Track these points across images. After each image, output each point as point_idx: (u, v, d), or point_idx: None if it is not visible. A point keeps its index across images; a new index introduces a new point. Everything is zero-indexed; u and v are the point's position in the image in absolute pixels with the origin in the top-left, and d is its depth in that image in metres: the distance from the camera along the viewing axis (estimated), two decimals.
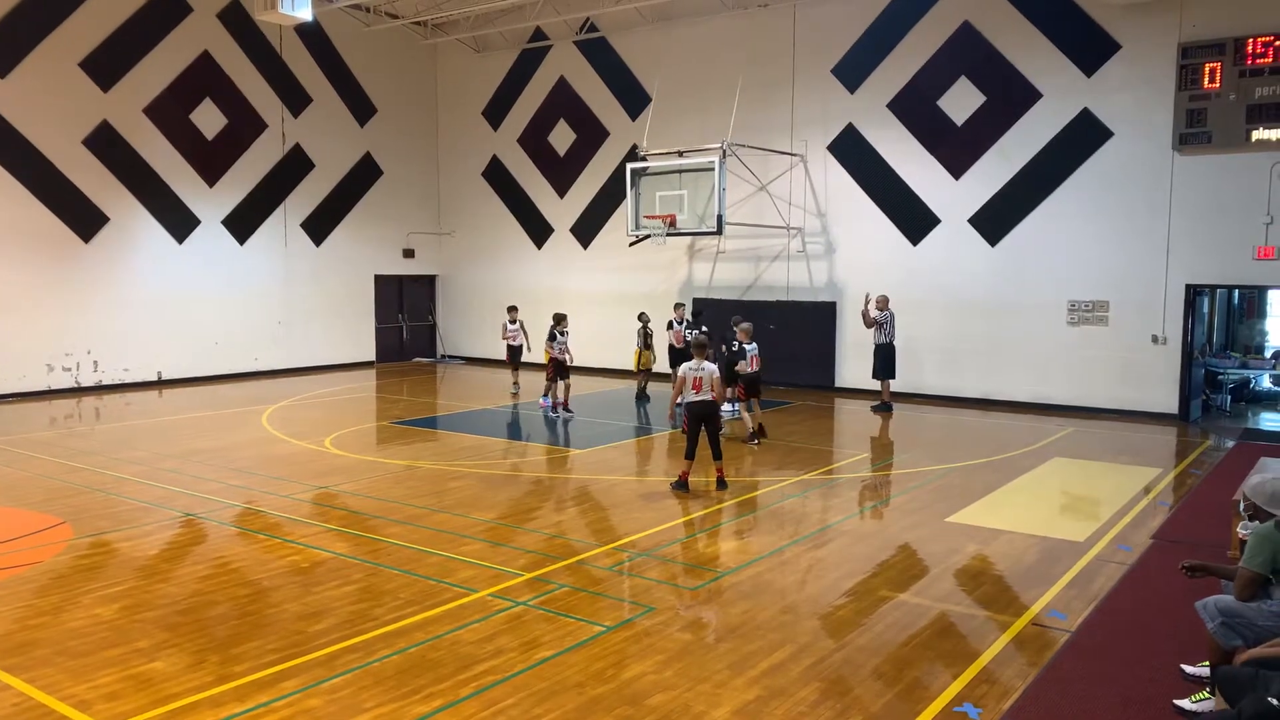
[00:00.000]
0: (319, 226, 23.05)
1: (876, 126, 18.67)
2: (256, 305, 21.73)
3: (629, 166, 19.23)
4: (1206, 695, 5.18)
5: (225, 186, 21.05)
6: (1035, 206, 17.10)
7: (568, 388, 16.11)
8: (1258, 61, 14.78)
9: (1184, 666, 5.77)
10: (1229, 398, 17.57)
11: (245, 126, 21.29)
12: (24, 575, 7.74)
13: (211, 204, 20.83)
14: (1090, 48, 16.36)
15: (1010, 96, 17.18)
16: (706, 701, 5.44)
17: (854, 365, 18.94)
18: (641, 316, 18.09)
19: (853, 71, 18.86)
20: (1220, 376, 17.54)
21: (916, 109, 18.19)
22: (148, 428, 15.06)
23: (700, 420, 10.62)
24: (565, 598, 7.20)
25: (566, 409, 15.94)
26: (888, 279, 18.07)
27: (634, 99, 21.78)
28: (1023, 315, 17.28)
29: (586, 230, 23.07)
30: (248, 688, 5.60)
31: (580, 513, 9.97)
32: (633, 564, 8.15)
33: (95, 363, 19.15)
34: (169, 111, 19.93)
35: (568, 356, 16.18)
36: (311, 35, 22.13)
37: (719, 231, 18.11)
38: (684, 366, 10.79)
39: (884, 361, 16.83)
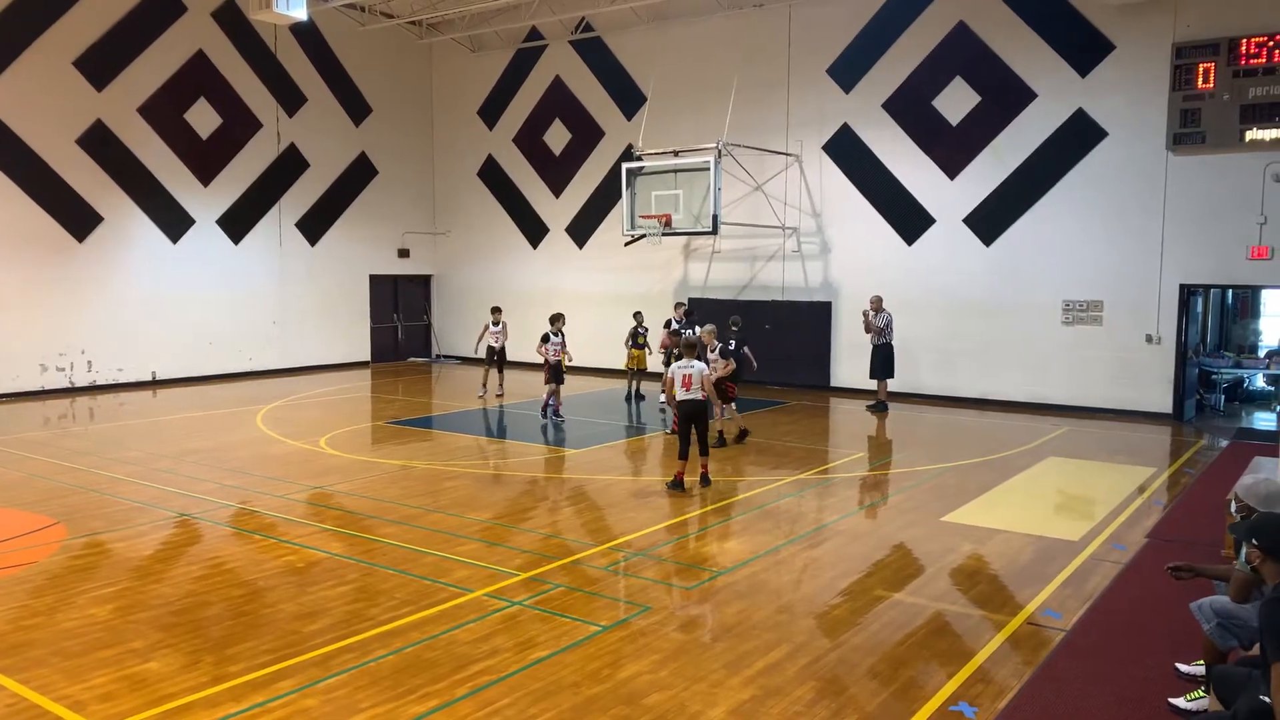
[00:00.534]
0: (314, 226, 23.01)
1: (871, 126, 18.69)
2: (251, 305, 21.69)
3: (624, 166, 19.23)
4: (1201, 694, 5.19)
5: (220, 186, 21.02)
6: (1030, 206, 17.14)
7: (557, 391, 15.54)
8: (1251, 62, 14.82)
9: (1178, 665, 5.79)
10: (1223, 397, 17.64)
11: (240, 126, 21.25)
12: (18, 576, 7.72)
13: (206, 203, 20.79)
14: (1084, 48, 16.40)
15: (1005, 97, 17.21)
16: (702, 701, 5.44)
17: (849, 365, 18.96)
18: (637, 315, 18.07)
19: (848, 72, 18.89)
20: (1214, 376, 17.60)
21: (911, 109, 18.22)
22: (142, 428, 15.03)
23: (690, 419, 10.68)
24: (561, 597, 7.20)
25: (557, 414, 15.51)
26: (883, 279, 18.09)
27: (629, 99, 21.78)
28: (1017, 315, 17.31)
29: (582, 230, 23.06)
30: (243, 688, 5.59)
31: (576, 513, 9.97)
32: (628, 564, 8.15)
33: (89, 363, 19.10)
34: (163, 111, 19.89)
35: (565, 358, 15.77)
36: (306, 35, 22.10)
37: (714, 231, 18.11)
38: (674, 365, 10.94)
39: (883, 361, 16.82)
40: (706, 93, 20.13)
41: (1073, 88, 16.55)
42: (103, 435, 14.36)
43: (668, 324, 17.18)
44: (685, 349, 10.96)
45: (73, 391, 18.77)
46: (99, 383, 19.23)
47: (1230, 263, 15.45)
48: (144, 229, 19.84)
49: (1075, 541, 8.79)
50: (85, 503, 10.05)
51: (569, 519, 9.69)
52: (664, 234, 18.75)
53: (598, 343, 21.25)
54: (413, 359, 25.59)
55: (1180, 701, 5.29)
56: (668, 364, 16.45)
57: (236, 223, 21.41)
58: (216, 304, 20.97)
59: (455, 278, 25.72)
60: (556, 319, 16.10)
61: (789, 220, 19.75)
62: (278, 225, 22.23)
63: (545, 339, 15.71)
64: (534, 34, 23.16)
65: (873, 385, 17.18)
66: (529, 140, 23.82)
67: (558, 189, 23.42)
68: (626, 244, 20.19)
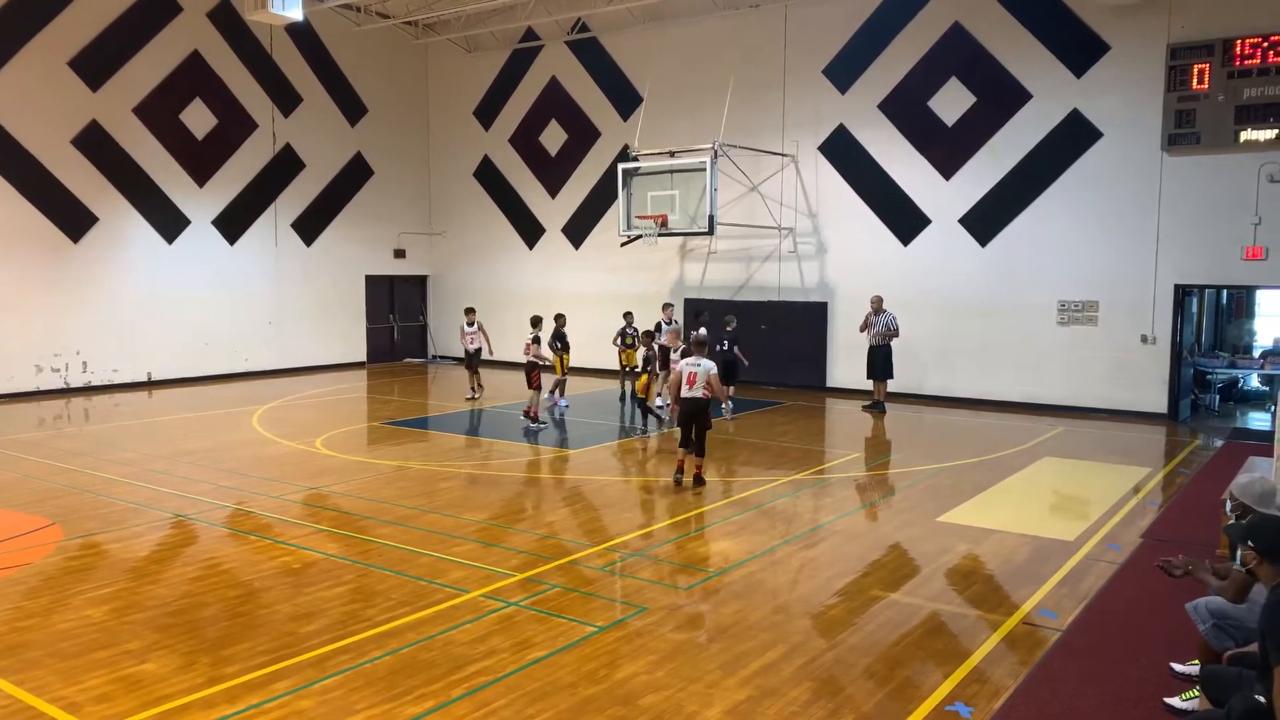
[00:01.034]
0: (310, 227, 22.99)
1: (867, 127, 18.71)
2: (247, 306, 21.67)
3: (620, 167, 19.23)
4: (1196, 694, 5.19)
5: (215, 186, 20.99)
6: (1025, 207, 17.17)
7: (536, 397, 15.05)
8: (1246, 63, 14.86)
9: (1173, 665, 5.80)
10: (1218, 397, 17.67)
11: (235, 126, 21.23)
12: (13, 577, 7.70)
13: (201, 204, 20.76)
14: (1080, 49, 16.43)
15: (1000, 97, 17.24)
16: (699, 701, 5.44)
17: (845, 365, 18.97)
18: (627, 316, 18.03)
19: (844, 72, 18.91)
20: (1209, 376, 17.63)
21: (907, 109, 18.24)
22: (137, 428, 15.00)
23: (690, 417, 10.78)
24: (557, 598, 7.20)
25: (536, 418, 14.97)
26: (879, 279, 18.11)
27: (625, 99, 21.79)
28: (1013, 315, 17.34)
29: (578, 230, 23.07)
30: (239, 689, 5.59)
31: (572, 513, 9.97)
32: (625, 564, 8.16)
33: (84, 363, 19.07)
34: (158, 111, 19.85)
35: (543, 360, 15.29)
36: (302, 35, 22.08)
37: (710, 232, 18.12)
38: (682, 363, 11.06)
39: (884, 362, 16.77)
40: (702, 93, 20.14)
41: (1068, 88, 16.59)
42: (98, 436, 14.33)
43: (657, 327, 17.17)
44: (695, 347, 11.08)
45: (68, 392, 18.73)
46: (94, 383, 19.20)
47: (1225, 263, 15.49)
48: (139, 229, 19.81)
49: (1071, 541, 8.81)
50: (80, 504, 10.03)
51: (565, 519, 9.69)
52: (660, 234, 18.77)
53: (595, 343, 21.23)
54: (409, 359, 25.57)
55: (1175, 701, 5.30)
56: (649, 365, 16.62)
57: (232, 223, 21.37)
58: (212, 304, 20.94)
59: (451, 278, 25.70)
60: (539, 321, 15.67)
61: (785, 221, 19.76)
62: (273, 226, 22.20)
63: (536, 340, 15.31)
64: (530, 34, 23.16)
65: (868, 386, 17.19)
66: (525, 141, 23.81)
67: (554, 189, 23.42)
68: (623, 244, 20.20)
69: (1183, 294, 16.06)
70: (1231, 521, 5.49)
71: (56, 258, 18.54)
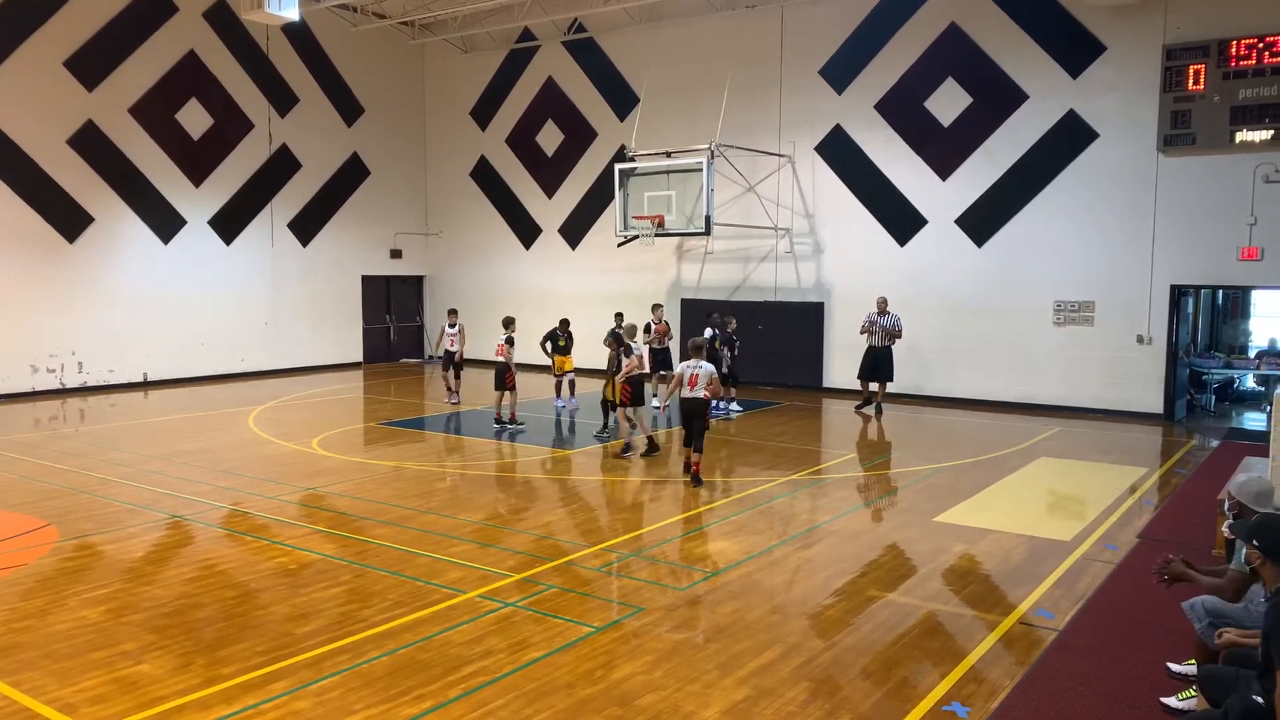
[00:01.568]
0: (306, 227, 22.96)
1: (864, 127, 18.73)
2: (243, 306, 21.64)
3: (617, 167, 19.23)
4: (1192, 693, 5.20)
5: (211, 186, 20.96)
6: (1021, 207, 17.19)
7: (510, 400, 14.88)
8: (1241, 63, 14.90)
9: (1170, 665, 5.80)
10: (1213, 397, 17.71)
11: (231, 126, 21.20)
12: (9, 578, 7.68)
13: (197, 204, 20.72)
14: (1076, 49, 16.46)
15: (997, 98, 17.26)
16: (696, 701, 5.44)
17: (842, 365, 18.98)
18: (618, 316, 17.94)
19: (840, 73, 18.92)
20: (1205, 376, 17.67)
21: (904, 110, 18.26)
22: (133, 429, 14.97)
23: (690, 416, 11.09)
24: (554, 598, 7.20)
25: (514, 420, 14.83)
26: (875, 280, 18.13)
27: (622, 100, 21.79)
28: (1009, 316, 17.36)
29: (575, 231, 23.06)
30: (235, 690, 5.58)
31: (568, 513, 9.97)
32: (621, 564, 8.15)
33: (80, 364, 19.03)
34: (154, 111, 19.82)
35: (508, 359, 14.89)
36: (298, 35, 22.05)
37: (707, 232, 18.14)
38: (682, 364, 11.36)
39: (885, 363, 16.69)
40: (699, 93, 20.14)
41: (1064, 89, 16.61)
42: (94, 436, 14.30)
43: (646, 327, 17.17)
44: (695, 350, 11.36)
45: (63, 393, 18.69)
46: (90, 384, 19.16)
47: (1221, 263, 15.52)
48: (135, 230, 19.78)
49: (1067, 541, 8.82)
50: (76, 504, 10.00)
51: (562, 520, 9.69)
52: (657, 235, 18.77)
53: (591, 343, 21.19)
54: (405, 360, 25.55)
55: (1172, 701, 5.31)
56: (653, 367, 16.64)
57: (228, 223, 21.34)
58: (208, 305, 20.92)
59: (448, 279, 25.69)
60: (509, 322, 15.34)
61: (781, 221, 19.77)
62: (269, 226, 22.17)
63: (509, 341, 14.94)
64: (526, 35, 23.15)
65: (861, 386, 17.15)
66: (521, 141, 23.80)
67: (550, 190, 23.41)
68: (619, 245, 20.19)
69: (1178, 294, 16.09)
70: (1233, 520, 5.50)
71: (52, 258, 18.51)
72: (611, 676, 5.78)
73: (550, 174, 23.36)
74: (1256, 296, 19.47)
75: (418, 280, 26.06)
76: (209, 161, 20.87)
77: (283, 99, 22.18)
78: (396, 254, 25.14)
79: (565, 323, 16.58)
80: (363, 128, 24.03)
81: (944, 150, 17.89)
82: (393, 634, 6.43)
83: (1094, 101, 16.37)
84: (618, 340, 12.57)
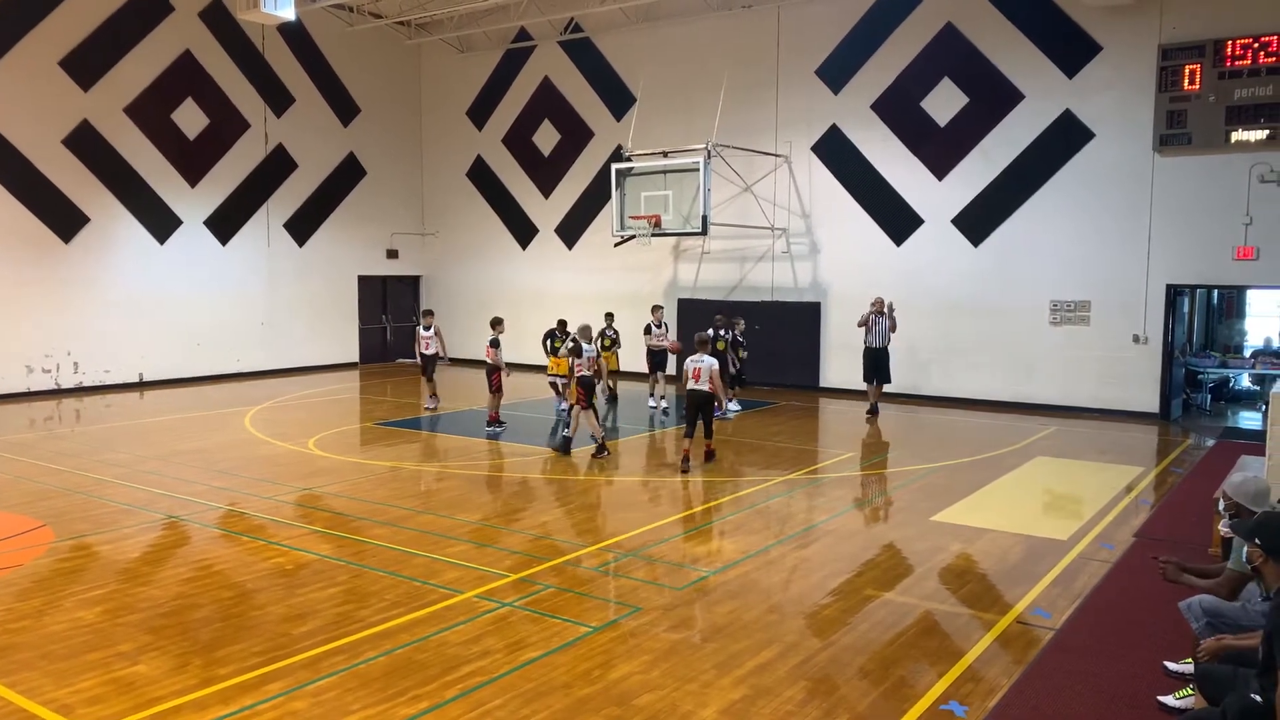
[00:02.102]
0: (302, 227, 22.93)
1: (860, 127, 18.74)
2: (239, 306, 21.60)
3: (614, 167, 19.23)
4: (1189, 692, 5.20)
5: (207, 186, 20.92)
6: (1018, 207, 17.21)
7: (496, 399, 14.63)
8: (1236, 63, 14.93)
9: (1167, 663, 5.81)
10: (1209, 397, 17.75)
11: (227, 126, 21.17)
12: (4, 579, 7.66)
13: (193, 204, 20.69)
14: (1072, 49, 16.48)
15: (993, 98, 17.28)
16: (694, 701, 5.44)
17: (839, 365, 19.00)
18: (608, 316, 17.90)
19: (837, 72, 18.93)
20: (1200, 376, 17.71)
21: (900, 110, 18.27)
22: (129, 429, 14.94)
23: (696, 406, 11.90)
24: (551, 598, 7.19)
25: (495, 420, 14.58)
26: (872, 280, 18.14)
27: (619, 99, 21.78)
28: (1006, 315, 17.38)
29: (571, 231, 23.05)
30: (232, 690, 5.57)
31: (565, 513, 9.96)
32: (619, 564, 8.15)
33: (75, 364, 18.99)
34: (150, 111, 19.79)
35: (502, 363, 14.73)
36: (294, 35, 22.02)
37: (704, 232, 18.14)
38: (689, 359, 12.16)
39: (885, 365, 16.41)
40: (695, 93, 20.15)
41: (1060, 89, 16.63)
42: (89, 437, 14.27)
43: (646, 329, 17.14)
44: (700, 344, 12.29)
45: (59, 393, 18.65)
46: (85, 384, 19.12)
47: (1216, 263, 15.55)
48: (131, 230, 19.74)
49: (1064, 540, 8.83)
50: (72, 505, 9.98)
51: (559, 520, 9.68)
52: (653, 235, 18.77)
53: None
54: (401, 360, 25.51)
55: (1169, 699, 5.31)
56: (651, 368, 16.69)
57: (224, 223, 21.31)
58: (204, 305, 20.88)
59: (444, 279, 25.67)
60: (497, 323, 15.06)
61: (778, 221, 19.78)
62: (266, 226, 22.14)
63: (494, 343, 14.67)
64: (523, 34, 23.14)
65: (864, 386, 17.06)
66: (518, 141, 23.79)
67: (547, 190, 23.40)
68: (616, 245, 20.18)
69: (1174, 294, 16.12)
70: (1232, 520, 5.50)
71: (47, 258, 18.47)
72: (609, 676, 5.77)
73: (547, 174, 23.35)
74: (1252, 296, 19.50)
75: (414, 280, 26.04)
76: (205, 161, 20.83)
77: (279, 99, 22.15)
78: (393, 254, 25.12)
79: (563, 324, 16.50)
80: (359, 127, 24.00)
81: (940, 150, 17.91)
82: (390, 634, 6.42)
83: (1090, 101, 16.39)
84: (705, 343, 12.51)
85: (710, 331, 16.15)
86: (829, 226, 19.32)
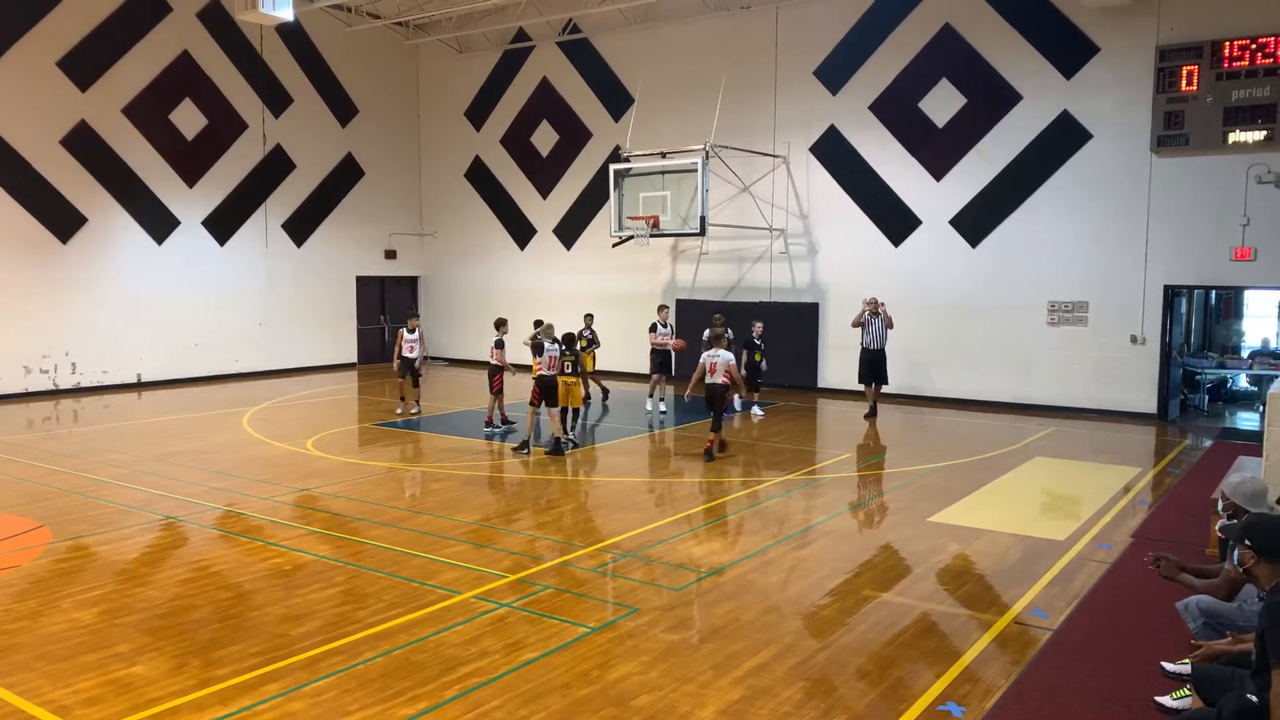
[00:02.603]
0: (300, 227, 22.92)
1: (858, 128, 18.75)
2: (237, 307, 21.59)
3: (612, 167, 19.24)
4: (1187, 693, 5.21)
5: (205, 187, 20.91)
6: (1015, 208, 17.23)
7: (496, 403, 14.83)
8: (1234, 64, 14.95)
9: (1164, 664, 5.81)
10: (1206, 397, 17.76)
11: (225, 127, 21.16)
12: (2, 580, 7.65)
13: (191, 205, 20.68)
14: (1069, 50, 16.50)
15: (991, 99, 17.30)
16: (692, 702, 5.44)
17: (836, 366, 19.01)
18: (587, 317, 17.81)
19: (835, 73, 18.94)
20: (1198, 376, 17.72)
21: (898, 111, 18.28)
22: (127, 430, 14.93)
23: (712, 399, 12.49)
24: (549, 599, 7.19)
25: (493, 422, 14.78)
26: (870, 280, 18.15)
27: (617, 100, 21.79)
28: (1003, 316, 17.39)
29: (569, 231, 23.05)
30: (230, 691, 5.57)
31: (563, 514, 9.96)
32: (617, 565, 8.15)
33: (73, 365, 18.98)
34: (148, 111, 19.78)
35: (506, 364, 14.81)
36: (292, 35, 22.02)
37: (702, 233, 18.15)
38: (704, 354, 12.68)
39: (882, 366, 16.39)
40: (694, 94, 20.15)
41: (1058, 90, 16.65)
42: (87, 438, 14.26)
43: (652, 328, 17.14)
44: (714, 339, 12.79)
45: (57, 394, 18.63)
46: (83, 385, 19.10)
47: (1214, 264, 15.57)
48: (128, 230, 19.73)
49: (1061, 541, 8.84)
50: (70, 506, 9.97)
51: (556, 521, 9.69)
52: (651, 235, 18.77)
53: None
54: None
55: (1166, 700, 5.32)
56: (654, 368, 16.63)
57: (222, 224, 21.30)
58: (202, 306, 20.87)
59: (442, 279, 25.67)
60: (501, 324, 15.16)
61: (776, 222, 19.79)
62: (264, 227, 22.14)
63: (500, 344, 14.72)
64: (521, 35, 23.14)
65: (860, 387, 17.07)
66: (516, 141, 23.80)
67: (545, 190, 23.40)
68: (614, 245, 20.18)
69: (1172, 294, 16.14)
70: (1226, 521, 5.51)
71: (45, 258, 18.45)
72: (607, 677, 5.78)
73: (545, 174, 23.35)
74: (1249, 297, 19.52)
75: (412, 281, 26.03)
76: (203, 162, 20.82)
77: (277, 99, 22.15)
78: (391, 255, 25.11)
79: (539, 324, 16.38)
80: (357, 128, 24.00)
81: (938, 151, 17.92)
82: (388, 635, 6.42)
83: (1088, 102, 16.41)
84: (719, 338, 13.08)
85: (708, 332, 16.16)
86: (827, 227, 19.33)
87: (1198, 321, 19.21)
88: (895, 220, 18.50)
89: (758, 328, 16.60)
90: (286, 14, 17.03)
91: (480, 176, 24.58)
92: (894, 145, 18.38)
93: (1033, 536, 9.00)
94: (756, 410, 16.42)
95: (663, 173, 18.50)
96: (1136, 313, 16.23)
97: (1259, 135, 14.79)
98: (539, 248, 23.70)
